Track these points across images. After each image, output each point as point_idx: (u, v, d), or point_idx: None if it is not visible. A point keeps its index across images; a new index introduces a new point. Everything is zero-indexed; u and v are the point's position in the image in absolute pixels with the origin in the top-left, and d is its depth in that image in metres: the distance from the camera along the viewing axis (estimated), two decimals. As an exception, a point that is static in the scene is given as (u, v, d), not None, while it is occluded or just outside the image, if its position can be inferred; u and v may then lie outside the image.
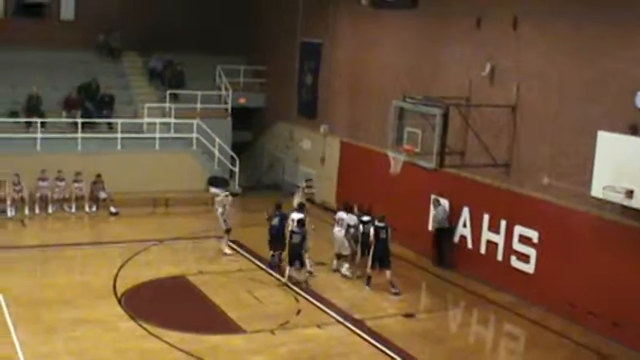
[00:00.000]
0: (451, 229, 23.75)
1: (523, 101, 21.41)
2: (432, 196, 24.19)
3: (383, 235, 21.43)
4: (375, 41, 27.82)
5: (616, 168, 17.65)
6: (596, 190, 18.18)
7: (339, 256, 22.66)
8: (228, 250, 24.03)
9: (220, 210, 24.29)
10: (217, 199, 25.15)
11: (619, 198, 17.58)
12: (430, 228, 24.37)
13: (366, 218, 22.54)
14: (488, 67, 22.25)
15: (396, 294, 21.15)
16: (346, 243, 22.39)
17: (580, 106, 19.70)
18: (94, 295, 19.82)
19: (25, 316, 18.05)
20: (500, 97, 21.84)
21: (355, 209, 23.11)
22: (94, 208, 28.14)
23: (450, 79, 23.70)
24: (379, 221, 21.60)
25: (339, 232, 22.55)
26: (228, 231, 24.20)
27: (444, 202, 23.89)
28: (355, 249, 22.52)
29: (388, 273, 21.39)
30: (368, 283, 21.50)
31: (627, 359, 17.28)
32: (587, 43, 19.56)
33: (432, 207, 24.29)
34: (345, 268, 22.34)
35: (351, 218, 22.59)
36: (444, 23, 24.38)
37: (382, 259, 21.42)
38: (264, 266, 22.77)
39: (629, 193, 17.30)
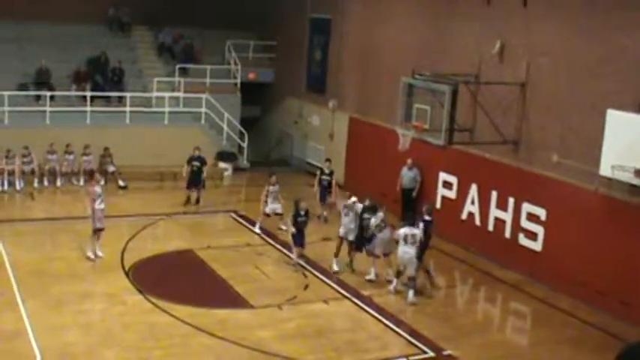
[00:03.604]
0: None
1: (532, 79, 21.32)
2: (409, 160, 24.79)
3: (430, 230, 20.23)
4: (385, 17, 27.70)
5: (625, 147, 17.54)
6: (605, 169, 18.11)
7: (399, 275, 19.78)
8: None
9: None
10: (226, 174, 25.22)
11: (628, 177, 17.52)
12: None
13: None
14: (498, 45, 22.14)
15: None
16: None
17: (590, 84, 19.59)
18: (102, 269, 19.92)
19: (34, 289, 18.15)
20: (510, 75, 21.75)
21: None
22: (102, 182, 28.08)
23: (460, 56, 23.60)
24: (428, 213, 20.33)
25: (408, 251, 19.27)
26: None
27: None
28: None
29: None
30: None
31: (635, 338, 17.21)
32: (597, 19, 19.44)
33: (405, 169, 25.01)
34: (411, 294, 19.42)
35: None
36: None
37: (421, 255, 19.81)
38: (271, 241, 22.79)
39: (638, 173, 17.25)
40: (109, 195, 26.53)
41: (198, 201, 26.53)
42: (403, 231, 19.42)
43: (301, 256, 21.02)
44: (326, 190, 25.41)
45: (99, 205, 20.68)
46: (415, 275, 19.30)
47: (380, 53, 27.84)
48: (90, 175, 22.56)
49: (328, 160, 26.39)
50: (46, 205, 26.08)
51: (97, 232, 20.70)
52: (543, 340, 17.78)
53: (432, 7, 25.37)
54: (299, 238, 20.88)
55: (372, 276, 20.33)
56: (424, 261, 20.27)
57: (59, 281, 18.79)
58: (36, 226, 23.31)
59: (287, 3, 34.03)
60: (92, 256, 20.50)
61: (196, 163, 26.40)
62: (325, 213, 25.45)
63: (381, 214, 20.34)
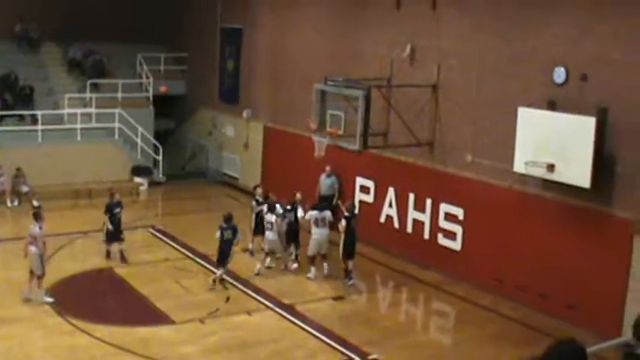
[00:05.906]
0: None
1: (444, 80, 21.58)
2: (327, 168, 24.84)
3: (353, 224, 20.55)
4: (296, 25, 27.73)
5: (537, 143, 17.95)
6: (519, 166, 18.46)
7: (313, 259, 21.13)
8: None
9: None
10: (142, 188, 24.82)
11: (541, 172, 17.90)
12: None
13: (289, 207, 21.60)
14: (408, 48, 22.34)
15: (351, 285, 20.62)
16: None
17: (500, 84, 19.93)
18: (19, 292, 19.37)
19: (-52, 317, 17.62)
20: (422, 77, 21.97)
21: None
22: (15, 203, 27.58)
23: (372, 60, 23.72)
24: (348, 210, 20.72)
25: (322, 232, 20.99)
26: None
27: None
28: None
29: (351, 263, 20.60)
30: (349, 277, 20.66)
31: (555, 329, 17.51)
32: (506, 21, 19.78)
33: (324, 176, 25.03)
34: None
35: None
36: (365, 5, 24.39)
37: (352, 249, 20.67)
38: (190, 255, 22.55)
39: (550, 167, 17.65)
40: (23, 216, 26.08)
41: (124, 257, 22.08)
42: (313, 214, 20.94)
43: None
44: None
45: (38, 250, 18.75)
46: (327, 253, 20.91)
47: (292, 61, 27.84)
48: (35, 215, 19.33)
49: (258, 186, 23.88)
50: (-42, 229, 25.40)
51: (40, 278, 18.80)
52: (467, 338, 18.01)
53: (342, 14, 25.47)
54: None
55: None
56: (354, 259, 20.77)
57: (-26, 308, 18.26)
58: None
59: (197, 14, 33.82)
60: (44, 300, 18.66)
61: (117, 210, 22.38)
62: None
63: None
